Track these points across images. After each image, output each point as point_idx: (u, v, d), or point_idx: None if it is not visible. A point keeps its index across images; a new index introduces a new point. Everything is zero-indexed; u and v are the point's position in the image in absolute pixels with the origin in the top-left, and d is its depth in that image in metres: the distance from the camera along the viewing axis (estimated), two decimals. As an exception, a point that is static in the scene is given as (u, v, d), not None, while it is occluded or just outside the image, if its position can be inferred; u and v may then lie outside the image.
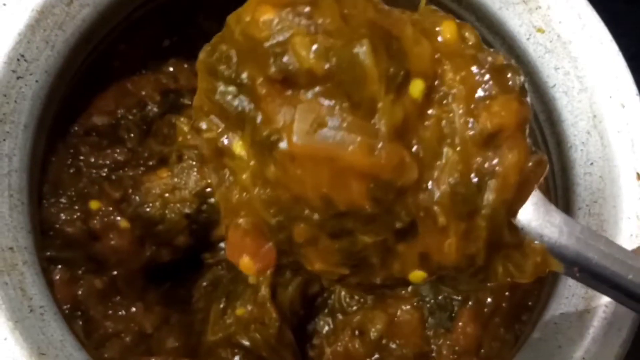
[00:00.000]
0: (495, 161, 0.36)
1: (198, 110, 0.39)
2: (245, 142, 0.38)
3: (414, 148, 0.36)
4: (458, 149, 0.36)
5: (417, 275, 0.39)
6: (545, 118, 0.58)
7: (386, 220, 0.37)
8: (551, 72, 0.56)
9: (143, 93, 0.65)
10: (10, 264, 0.49)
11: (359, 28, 0.35)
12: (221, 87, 0.37)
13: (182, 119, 0.63)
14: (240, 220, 0.39)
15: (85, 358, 0.50)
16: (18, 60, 0.52)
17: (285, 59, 0.35)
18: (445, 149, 0.36)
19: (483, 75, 0.37)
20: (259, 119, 0.36)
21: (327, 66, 0.35)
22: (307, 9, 0.35)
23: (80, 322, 0.56)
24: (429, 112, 0.37)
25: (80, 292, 0.57)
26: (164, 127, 0.63)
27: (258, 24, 0.35)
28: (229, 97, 0.37)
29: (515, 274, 0.39)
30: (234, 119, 0.38)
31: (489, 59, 0.37)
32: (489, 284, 0.42)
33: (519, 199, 0.37)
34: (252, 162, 0.37)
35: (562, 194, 0.57)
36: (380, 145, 0.35)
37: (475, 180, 0.36)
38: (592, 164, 0.54)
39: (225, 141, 0.38)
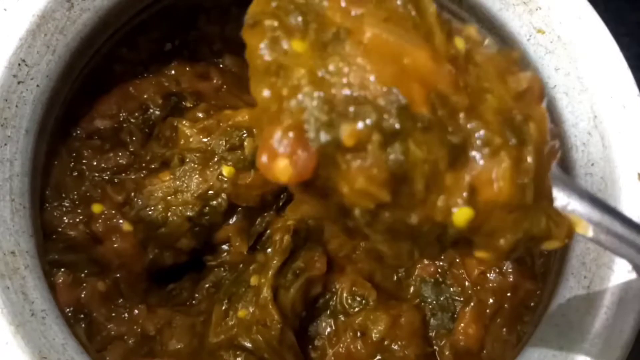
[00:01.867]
0: (528, 111, 0.38)
1: (259, 12, 0.38)
2: (305, 42, 0.37)
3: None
4: (497, 97, 0.37)
5: (463, 214, 0.37)
6: (546, 119, 0.57)
7: (440, 134, 0.36)
8: (552, 72, 0.56)
9: (145, 96, 0.65)
10: (12, 268, 0.49)
11: None
12: None
13: (184, 122, 0.62)
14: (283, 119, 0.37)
15: (87, 361, 0.50)
16: (19, 65, 0.52)
17: None
18: (487, 96, 0.37)
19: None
20: (325, 20, 0.37)
21: None
22: None
23: (83, 325, 0.55)
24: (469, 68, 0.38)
25: (83, 295, 0.56)
26: (166, 130, 0.63)
27: None
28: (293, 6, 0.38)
29: (554, 232, 0.38)
30: (295, 25, 0.37)
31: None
32: (526, 244, 0.41)
33: (548, 159, 0.39)
34: (311, 61, 0.36)
35: (563, 195, 0.56)
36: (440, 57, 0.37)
37: (517, 117, 0.37)
38: (593, 164, 0.53)
39: (284, 40, 0.37)
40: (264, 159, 0.36)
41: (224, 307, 0.59)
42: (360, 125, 0.35)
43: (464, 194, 0.37)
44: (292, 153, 0.36)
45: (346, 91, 0.35)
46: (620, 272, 0.51)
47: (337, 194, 0.37)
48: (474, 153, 0.36)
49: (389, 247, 0.39)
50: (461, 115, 0.36)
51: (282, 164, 0.36)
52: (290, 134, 0.36)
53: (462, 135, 0.36)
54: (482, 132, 0.36)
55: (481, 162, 0.36)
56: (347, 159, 0.36)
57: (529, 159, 0.37)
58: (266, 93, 0.37)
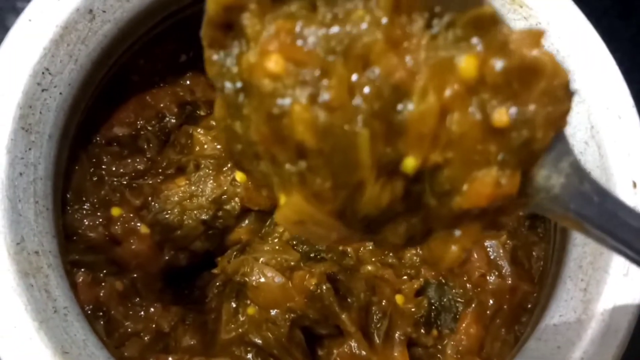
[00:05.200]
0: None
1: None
2: None
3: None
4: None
5: None
6: (545, 129, 0.57)
7: None
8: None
9: (161, 105, 0.65)
10: (35, 267, 0.48)
11: (365, 102, 0.32)
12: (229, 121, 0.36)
13: (198, 130, 0.63)
14: None
15: (107, 357, 0.49)
16: (43, 73, 0.52)
17: (280, 122, 0.32)
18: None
19: (482, 139, 0.32)
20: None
21: (320, 145, 0.32)
22: (317, 73, 0.32)
23: (102, 322, 0.55)
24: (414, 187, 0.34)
25: (102, 294, 0.56)
26: (182, 137, 0.63)
27: (264, 72, 0.32)
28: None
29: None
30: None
31: (495, 113, 0.32)
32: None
33: None
34: None
35: (560, 202, 0.56)
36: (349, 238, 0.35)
37: None
38: (589, 173, 0.53)
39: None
40: None
41: (233, 305, 0.59)
42: None
43: None
44: None
45: None
46: (616, 275, 0.51)
47: None
48: None
49: None
50: None
51: None
52: None
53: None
54: None
55: None
56: None
57: None
58: None
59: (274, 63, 0.32)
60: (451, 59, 0.32)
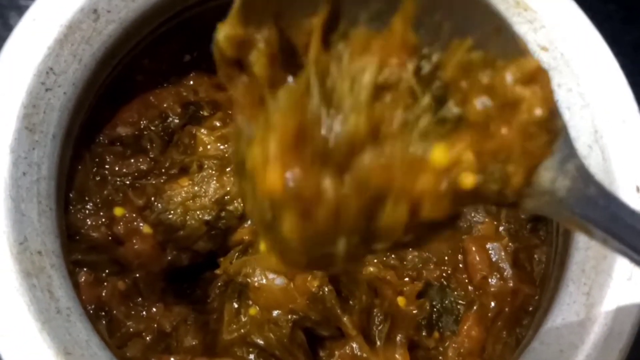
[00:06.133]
0: None
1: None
2: None
3: None
4: None
5: None
6: (549, 132, 0.57)
7: None
8: (554, 88, 0.55)
9: (165, 105, 0.64)
10: (38, 267, 0.48)
11: (345, 222, 0.33)
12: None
13: (202, 130, 0.62)
14: None
15: (109, 357, 0.49)
16: (47, 73, 0.51)
17: (272, 225, 0.34)
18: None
19: (451, 208, 0.33)
20: None
21: (301, 245, 0.34)
22: (312, 193, 0.32)
23: (104, 322, 0.55)
24: None
25: (104, 294, 0.56)
26: (185, 137, 0.63)
27: (265, 184, 0.33)
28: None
29: None
30: None
31: (462, 179, 0.32)
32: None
33: None
34: None
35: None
36: None
37: None
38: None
39: None
40: None
41: (235, 305, 0.59)
42: None
43: None
44: None
45: None
46: (619, 279, 0.50)
47: None
48: None
49: None
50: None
51: None
52: None
53: None
54: None
55: None
56: None
57: None
58: None
59: (275, 178, 0.32)
60: (422, 155, 0.32)
